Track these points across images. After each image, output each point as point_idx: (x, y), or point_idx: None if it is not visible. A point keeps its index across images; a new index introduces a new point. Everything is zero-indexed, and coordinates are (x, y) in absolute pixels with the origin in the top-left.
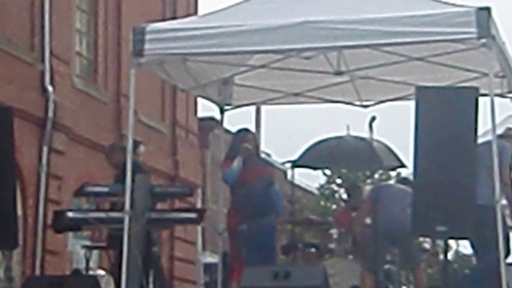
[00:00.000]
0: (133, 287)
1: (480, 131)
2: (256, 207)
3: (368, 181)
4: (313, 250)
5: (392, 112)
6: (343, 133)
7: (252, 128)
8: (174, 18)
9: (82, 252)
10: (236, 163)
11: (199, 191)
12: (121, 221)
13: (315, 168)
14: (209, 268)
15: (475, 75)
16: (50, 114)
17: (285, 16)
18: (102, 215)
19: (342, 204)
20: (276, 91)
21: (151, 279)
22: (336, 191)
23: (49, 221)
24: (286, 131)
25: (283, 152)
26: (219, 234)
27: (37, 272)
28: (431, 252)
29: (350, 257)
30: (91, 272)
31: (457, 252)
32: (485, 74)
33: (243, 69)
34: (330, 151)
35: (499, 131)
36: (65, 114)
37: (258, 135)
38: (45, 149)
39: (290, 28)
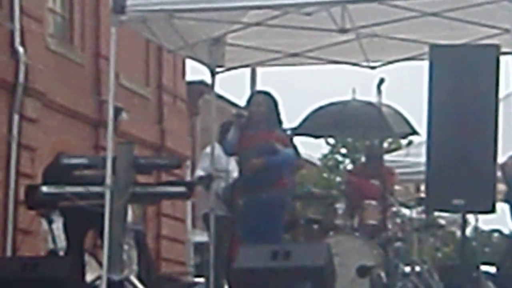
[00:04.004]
0: (115, 267)
1: (501, 93)
2: (252, 179)
3: None
4: (315, 226)
5: (403, 74)
6: (348, 97)
7: (246, 92)
8: None
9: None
10: (231, 132)
11: (188, 162)
12: (102, 196)
13: (317, 137)
14: (200, 247)
15: (495, 31)
16: (21, 78)
17: None
18: (80, 189)
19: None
20: (273, 51)
21: (136, 260)
22: (340, 162)
23: (21, 197)
24: (284, 96)
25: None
26: (211, 210)
27: (8, 253)
28: None
29: (357, 234)
30: None
31: (475, 228)
32: (507, 30)
33: (236, 27)
34: (333, 118)
35: None
36: (37, 78)
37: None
38: (16, 117)
39: None
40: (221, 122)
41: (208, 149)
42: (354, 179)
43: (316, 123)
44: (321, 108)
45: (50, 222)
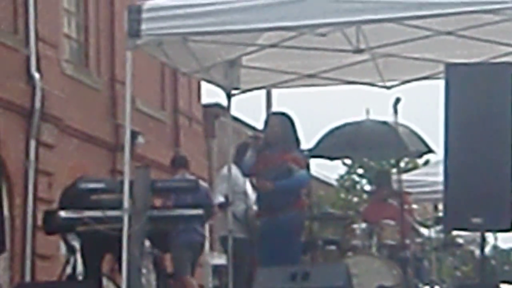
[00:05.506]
0: None
1: None
2: (268, 201)
3: (393, 170)
4: (333, 247)
5: (419, 93)
6: (362, 117)
7: (262, 114)
8: None
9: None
10: (249, 153)
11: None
12: (120, 220)
13: (332, 159)
14: (218, 270)
15: (511, 49)
16: (38, 103)
17: None
18: (98, 214)
19: (365, 196)
20: (288, 73)
21: (154, 284)
22: (357, 182)
23: (39, 222)
24: (300, 117)
25: None
26: (229, 232)
27: (27, 278)
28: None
29: (376, 254)
30: None
31: (494, 247)
32: None
33: (251, 49)
34: (348, 138)
35: None
36: (54, 104)
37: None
38: (32, 142)
39: (303, 2)
40: (237, 144)
41: (224, 171)
42: (364, 208)
43: (331, 145)
44: (335, 129)
45: (72, 247)
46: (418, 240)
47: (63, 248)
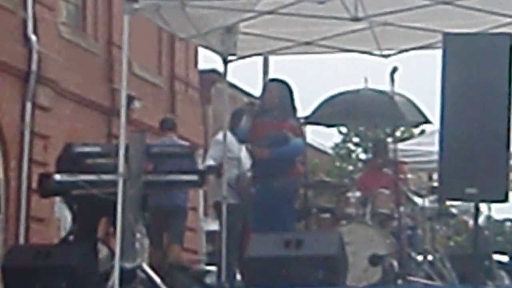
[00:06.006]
0: (128, 256)
1: None
2: (263, 168)
3: (389, 139)
4: (327, 215)
5: (416, 62)
6: (360, 86)
7: (259, 81)
8: None
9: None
10: (244, 119)
11: (201, 151)
12: (114, 184)
13: (329, 126)
14: (212, 236)
15: (509, 20)
16: (34, 66)
17: None
18: (93, 177)
19: (360, 164)
20: (286, 40)
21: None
22: (352, 151)
23: (34, 185)
24: (297, 84)
25: None
26: (223, 198)
27: (21, 240)
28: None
29: (369, 223)
30: None
31: (488, 217)
32: None
33: (249, 15)
34: (346, 106)
35: None
36: (50, 67)
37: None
38: (28, 105)
39: None
40: (233, 110)
41: (218, 136)
42: (360, 177)
43: (328, 112)
44: (333, 97)
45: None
46: (412, 209)
47: (57, 211)
